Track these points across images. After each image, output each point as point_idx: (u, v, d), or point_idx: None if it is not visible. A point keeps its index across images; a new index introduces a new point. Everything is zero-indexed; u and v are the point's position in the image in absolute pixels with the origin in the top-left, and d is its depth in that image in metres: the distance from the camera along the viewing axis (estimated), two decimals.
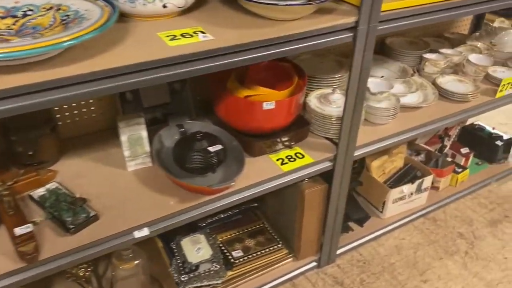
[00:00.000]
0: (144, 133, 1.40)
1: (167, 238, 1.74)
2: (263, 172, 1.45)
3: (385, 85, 1.73)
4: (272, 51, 1.17)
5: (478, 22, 2.53)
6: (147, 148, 1.42)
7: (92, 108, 1.56)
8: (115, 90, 1.00)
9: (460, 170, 2.26)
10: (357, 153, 1.62)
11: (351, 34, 1.30)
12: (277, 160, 1.50)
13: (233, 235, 1.80)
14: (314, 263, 1.85)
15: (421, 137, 2.40)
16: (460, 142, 2.56)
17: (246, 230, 1.83)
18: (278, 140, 1.50)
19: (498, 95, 1.96)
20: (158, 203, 1.31)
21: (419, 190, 2.05)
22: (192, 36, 1.12)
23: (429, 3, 1.38)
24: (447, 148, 2.34)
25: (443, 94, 1.93)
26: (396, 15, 1.35)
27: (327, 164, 1.57)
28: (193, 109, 1.68)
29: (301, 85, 1.54)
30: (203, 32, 1.14)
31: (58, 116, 1.50)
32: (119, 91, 1.02)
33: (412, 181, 2.02)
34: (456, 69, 2.07)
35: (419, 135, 1.78)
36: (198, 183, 1.36)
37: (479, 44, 2.24)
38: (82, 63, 0.97)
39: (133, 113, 1.44)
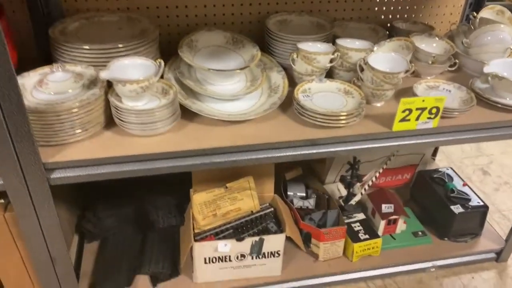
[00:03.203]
0: None
1: None
2: None
3: (146, 69, 1.03)
4: None
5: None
6: None
7: None
8: None
9: (364, 237, 1.42)
10: (61, 175, 0.98)
11: None
12: None
13: None
14: None
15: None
16: (412, 196, 1.68)
17: None
18: None
19: (396, 127, 1.11)
20: None
21: (257, 252, 1.30)
22: None
23: None
24: (355, 199, 1.49)
25: (296, 109, 1.15)
26: None
27: None
28: None
29: None
30: None
31: None
32: None
33: (240, 237, 1.28)
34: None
35: (207, 166, 1.05)
36: None
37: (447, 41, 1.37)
38: None
39: None
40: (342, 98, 1.18)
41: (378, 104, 1.21)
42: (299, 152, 1.08)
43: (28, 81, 1.05)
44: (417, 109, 1.08)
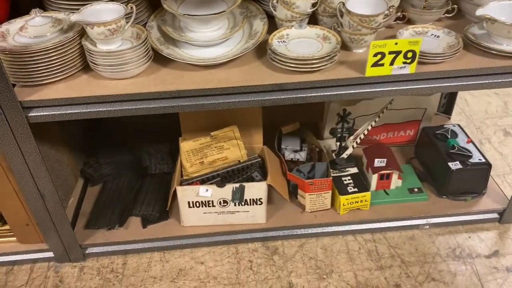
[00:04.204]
0: None
1: None
2: None
3: (119, 14, 1.06)
4: None
5: None
6: None
7: None
8: None
9: (353, 190, 1.40)
10: (37, 113, 1.05)
11: None
12: None
13: None
14: (51, 254, 1.37)
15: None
16: (416, 153, 1.63)
17: None
18: None
19: (369, 72, 1.07)
20: None
21: (239, 199, 1.33)
22: None
23: None
24: (346, 153, 1.46)
25: (268, 54, 1.14)
26: None
27: None
28: None
29: None
30: None
31: None
32: None
33: (220, 183, 1.31)
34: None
35: (174, 110, 1.08)
36: None
37: None
38: None
39: None
40: (319, 44, 1.15)
41: (360, 51, 1.17)
42: (267, 98, 1.08)
43: (13, 26, 1.12)
44: (390, 52, 1.04)
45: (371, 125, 1.43)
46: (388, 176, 1.45)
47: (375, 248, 1.40)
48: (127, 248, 1.39)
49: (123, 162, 1.56)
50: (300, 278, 1.32)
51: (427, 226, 1.45)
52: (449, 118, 1.84)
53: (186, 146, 1.38)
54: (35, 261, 1.38)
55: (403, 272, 1.33)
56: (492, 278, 1.30)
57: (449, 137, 1.50)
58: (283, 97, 1.09)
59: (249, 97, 1.08)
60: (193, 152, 1.39)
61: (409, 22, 1.28)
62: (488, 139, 1.84)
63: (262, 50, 1.17)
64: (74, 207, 1.46)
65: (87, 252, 1.38)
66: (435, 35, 1.18)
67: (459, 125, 1.56)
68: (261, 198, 1.34)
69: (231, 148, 1.40)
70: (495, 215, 1.46)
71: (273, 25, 1.24)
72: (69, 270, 1.36)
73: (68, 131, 1.50)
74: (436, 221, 1.45)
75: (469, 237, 1.43)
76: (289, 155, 1.49)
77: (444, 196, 1.47)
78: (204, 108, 1.08)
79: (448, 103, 1.83)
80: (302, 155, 1.49)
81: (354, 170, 1.47)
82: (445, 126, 1.56)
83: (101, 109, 1.06)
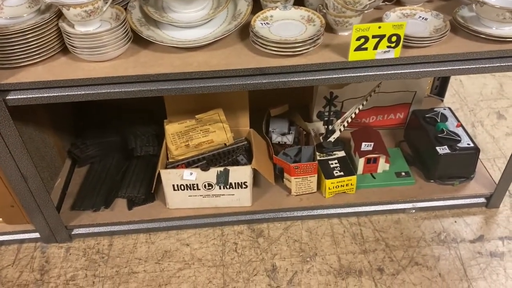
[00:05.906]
0: None
1: None
2: None
3: None
4: None
5: None
6: None
7: None
8: None
9: (338, 174, 1.40)
10: (15, 96, 1.04)
11: None
12: None
13: None
14: (37, 235, 1.38)
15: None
16: (405, 136, 1.62)
17: None
18: None
19: (352, 56, 1.04)
20: None
21: (224, 183, 1.32)
22: None
23: None
24: (333, 136, 1.45)
25: (250, 37, 1.11)
26: None
27: None
28: None
29: None
30: None
31: None
32: None
33: (205, 167, 1.30)
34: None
35: (153, 93, 1.06)
36: None
37: None
38: None
39: None
40: (303, 26, 1.12)
41: (345, 33, 1.14)
42: (248, 82, 1.06)
43: None
44: (373, 36, 1.01)
45: (359, 109, 1.41)
46: (375, 160, 1.44)
47: (360, 231, 1.40)
48: (113, 230, 1.39)
49: (110, 143, 1.55)
50: (283, 260, 1.33)
51: (413, 210, 1.45)
52: (442, 101, 1.82)
53: (171, 128, 1.37)
54: (22, 241, 1.39)
55: (386, 256, 1.33)
56: (475, 263, 1.31)
57: (438, 120, 1.48)
58: (265, 81, 1.07)
59: (229, 81, 1.06)
60: (179, 135, 1.38)
61: (399, 3, 1.25)
62: (480, 122, 1.82)
63: (245, 32, 1.14)
64: (61, 188, 1.46)
65: (73, 233, 1.39)
66: (423, 18, 1.14)
67: (449, 109, 1.54)
68: (246, 182, 1.33)
69: (217, 131, 1.39)
70: (482, 200, 1.45)
71: (258, 6, 1.21)
72: (55, 251, 1.37)
73: (54, 112, 1.49)
74: (423, 205, 1.44)
75: (455, 221, 1.43)
76: (276, 138, 1.48)
77: (432, 181, 1.46)
78: (184, 92, 1.07)
79: (441, 85, 1.80)
80: (289, 138, 1.48)
81: (341, 153, 1.46)
82: (435, 109, 1.53)
83: (79, 93, 1.04)
